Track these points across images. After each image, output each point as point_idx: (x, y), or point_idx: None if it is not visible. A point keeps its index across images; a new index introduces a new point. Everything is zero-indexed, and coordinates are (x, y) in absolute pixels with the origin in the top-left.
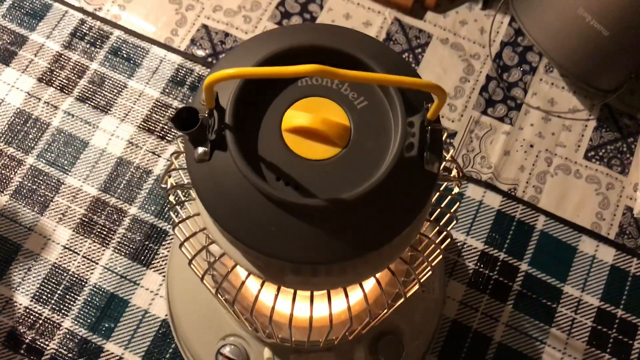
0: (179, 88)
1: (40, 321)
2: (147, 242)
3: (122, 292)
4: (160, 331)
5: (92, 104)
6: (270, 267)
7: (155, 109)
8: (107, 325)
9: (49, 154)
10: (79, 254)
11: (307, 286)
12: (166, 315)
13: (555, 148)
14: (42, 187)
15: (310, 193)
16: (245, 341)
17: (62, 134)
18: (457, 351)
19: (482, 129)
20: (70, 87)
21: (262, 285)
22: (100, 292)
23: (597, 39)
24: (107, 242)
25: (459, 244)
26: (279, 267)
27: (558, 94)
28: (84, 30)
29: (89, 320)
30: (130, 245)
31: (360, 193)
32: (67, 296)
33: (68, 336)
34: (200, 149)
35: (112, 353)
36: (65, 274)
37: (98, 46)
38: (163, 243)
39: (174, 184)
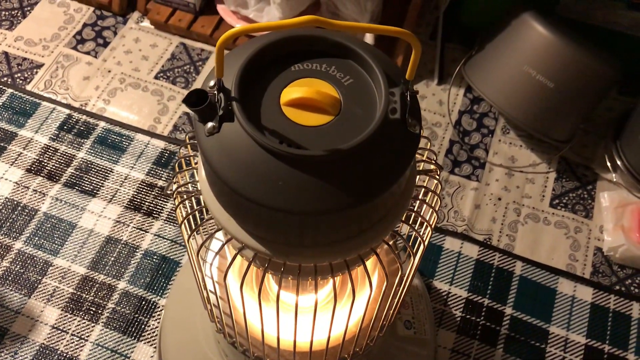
0: (163, 169)
1: None
2: (137, 315)
3: None
4: None
5: (80, 189)
6: (273, 233)
7: (141, 189)
8: None
9: (36, 238)
10: (67, 332)
11: (309, 258)
12: None
13: (521, 199)
14: (30, 270)
15: (310, 148)
16: None
17: (50, 219)
18: None
19: (451, 187)
20: (58, 175)
21: (265, 270)
22: None
23: (544, 91)
24: (96, 318)
25: (443, 294)
26: (282, 232)
27: (517, 151)
28: (71, 123)
29: None
30: (120, 319)
31: (355, 143)
32: None
33: None
34: (210, 124)
35: None
36: (53, 354)
37: (85, 137)
38: (153, 314)
39: (180, 190)
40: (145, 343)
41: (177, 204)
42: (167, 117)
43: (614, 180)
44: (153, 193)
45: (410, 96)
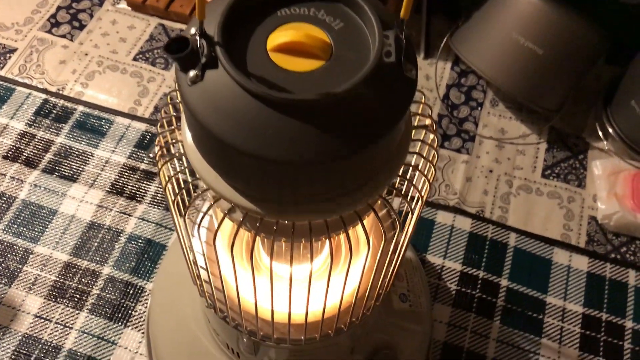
0: (145, 151)
1: None
2: (123, 300)
3: (99, 354)
4: None
5: (59, 174)
6: (264, 188)
7: (123, 173)
8: None
9: (15, 226)
10: (51, 321)
11: (304, 214)
12: None
13: (513, 171)
14: (10, 259)
15: (301, 93)
16: None
17: (29, 206)
18: None
19: (442, 161)
20: (37, 161)
21: (257, 232)
22: (77, 357)
23: (533, 58)
24: (81, 305)
25: (437, 268)
26: (274, 187)
27: (507, 123)
28: (48, 108)
29: None
30: (106, 306)
31: (349, 87)
32: None
33: None
34: (192, 72)
35: None
36: (37, 344)
37: (62, 121)
38: (140, 299)
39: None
40: (132, 329)
41: (160, 166)
42: (147, 99)
43: (606, 148)
44: (135, 176)
45: (405, 39)
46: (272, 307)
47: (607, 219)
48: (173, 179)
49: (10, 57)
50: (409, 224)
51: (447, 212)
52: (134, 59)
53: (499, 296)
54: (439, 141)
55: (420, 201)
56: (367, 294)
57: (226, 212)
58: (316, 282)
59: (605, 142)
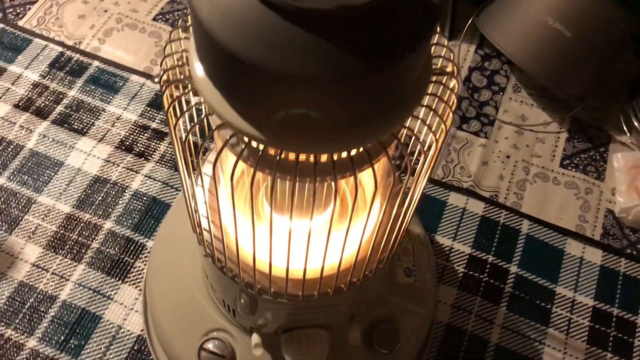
0: (158, 111)
1: (2, 342)
2: (122, 256)
3: (94, 307)
4: (135, 347)
5: (69, 127)
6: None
7: (134, 130)
8: (76, 342)
9: (21, 174)
10: (48, 271)
11: (311, 143)
12: (142, 330)
13: (531, 158)
14: (12, 206)
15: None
16: (229, 334)
17: (36, 155)
18: (454, 355)
19: (458, 143)
20: (47, 112)
21: (258, 160)
22: (71, 308)
23: (561, 40)
24: (79, 257)
25: (446, 249)
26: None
27: (528, 110)
28: (64, 61)
29: (56, 339)
30: (105, 260)
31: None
32: (34, 315)
33: (33, 356)
34: None
35: None
36: (32, 292)
37: (77, 75)
38: (140, 256)
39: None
40: (130, 285)
41: (163, 89)
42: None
43: (629, 141)
44: (146, 134)
45: None
46: (271, 256)
47: (625, 212)
48: (176, 101)
49: (29, 9)
50: (431, 158)
51: (460, 194)
52: (154, 19)
53: (507, 282)
54: (459, 88)
55: (443, 134)
56: (369, 253)
57: (228, 138)
58: (319, 234)
59: (628, 136)
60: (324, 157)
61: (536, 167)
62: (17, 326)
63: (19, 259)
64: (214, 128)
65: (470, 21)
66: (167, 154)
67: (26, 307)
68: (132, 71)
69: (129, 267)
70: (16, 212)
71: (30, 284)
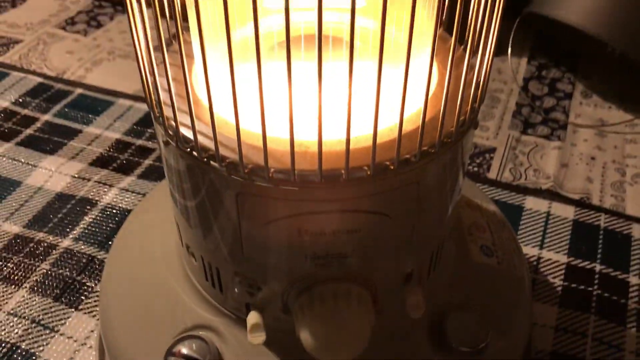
0: (146, 128)
1: None
2: (79, 277)
3: (28, 343)
4: None
5: (35, 148)
6: None
7: (115, 146)
8: None
9: None
10: None
11: None
12: None
13: (624, 159)
14: None
15: None
16: (214, 332)
17: None
18: None
19: (526, 146)
20: (11, 135)
21: None
22: None
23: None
24: (19, 282)
25: (532, 259)
26: None
27: (605, 113)
28: (42, 90)
29: None
30: (55, 283)
31: None
32: None
33: None
34: None
35: None
36: None
37: (53, 102)
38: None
39: None
40: (85, 313)
41: None
42: None
43: None
44: (129, 151)
45: None
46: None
47: None
48: None
49: (13, 47)
50: None
51: (540, 197)
52: None
53: (631, 296)
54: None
55: None
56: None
57: None
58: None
59: None
60: None
61: (633, 167)
62: None
63: None
64: None
65: (513, 29)
66: (154, 167)
67: None
68: (120, 95)
69: (86, 292)
70: None
71: None
